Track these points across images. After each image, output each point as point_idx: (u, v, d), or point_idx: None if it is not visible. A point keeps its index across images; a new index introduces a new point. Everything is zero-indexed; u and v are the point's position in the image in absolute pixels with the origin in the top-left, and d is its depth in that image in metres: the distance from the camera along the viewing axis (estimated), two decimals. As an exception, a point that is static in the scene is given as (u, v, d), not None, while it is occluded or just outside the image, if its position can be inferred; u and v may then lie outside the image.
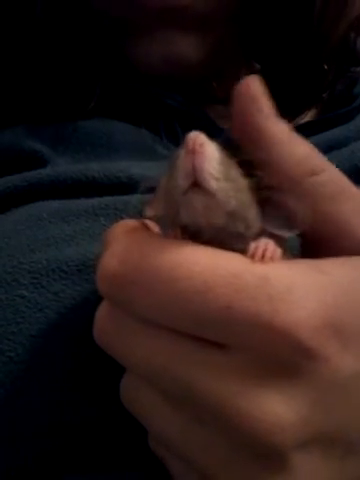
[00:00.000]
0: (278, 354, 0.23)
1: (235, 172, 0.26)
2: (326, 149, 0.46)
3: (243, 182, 0.26)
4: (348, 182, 0.28)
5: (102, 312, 0.27)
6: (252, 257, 0.24)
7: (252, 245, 0.25)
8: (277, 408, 0.23)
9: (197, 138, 0.24)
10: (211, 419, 0.24)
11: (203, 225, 0.26)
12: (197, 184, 0.24)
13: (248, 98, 0.27)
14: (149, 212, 0.28)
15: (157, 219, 0.28)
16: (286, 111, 0.52)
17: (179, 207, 0.25)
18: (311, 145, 0.28)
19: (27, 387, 0.31)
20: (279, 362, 0.23)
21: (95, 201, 0.38)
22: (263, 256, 0.24)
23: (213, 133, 0.50)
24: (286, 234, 0.27)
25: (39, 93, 0.48)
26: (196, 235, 0.26)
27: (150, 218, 0.28)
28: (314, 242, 0.28)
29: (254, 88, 0.27)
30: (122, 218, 0.37)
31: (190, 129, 0.49)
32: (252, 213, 0.27)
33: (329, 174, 0.28)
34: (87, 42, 0.49)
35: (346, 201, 0.27)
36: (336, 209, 0.27)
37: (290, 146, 0.27)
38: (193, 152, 0.24)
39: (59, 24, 0.48)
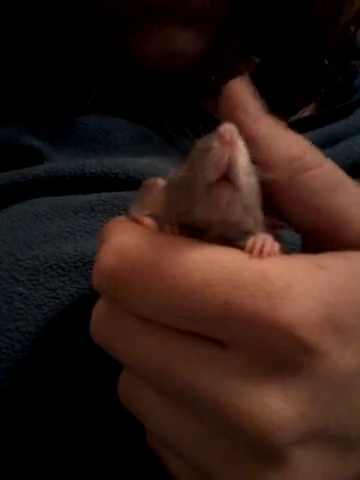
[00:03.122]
0: (277, 351, 0.23)
1: (251, 164, 0.25)
2: (325, 144, 0.45)
3: (255, 177, 0.26)
4: (344, 176, 0.28)
5: (99, 310, 0.27)
6: (250, 253, 0.24)
7: (250, 240, 0.25)
8: (275, 405, 0.23)
9: (233, 130, 0.24)
10: (209, 417, 0.24)
11: (217, 221, 0.25)
12: (226, 178, 0.24)
13: (234, 100, 0.27)
14: (138, 212, 0.27)
15: (151, 216, 0.27)
16: (285, 105, 0.52)
17: (196, 201, 0.25)
18: (305, 141, 0.28)
19: (24, 384, 0.31)
20: (278, 359, 0.23)
21: (92, 197, 0.38)
22: (261, 251, 0.24)
23: (212, 127, 0.50)
24: (285, 226, 0.27)
25: (38, 89, 0.48)
26: (196, 231, 0.25)
27: (140, 217, 0.27)
28: (312, 236, 0.28)
29: (240, 90, 0.27)
30: (119, 214, 0.36)
31: (191, 125, 0.49)
32: (259, 208, 0.26)
33: (323, 169, 0.27)
34: (85, 37, 0.48)
35: (340, 194, 0.27)
36: (330, 202, 0.27)
37: (279, 147, 0.27)
38: (231, 144, 0.23)
39: (58, 19, 0.48)
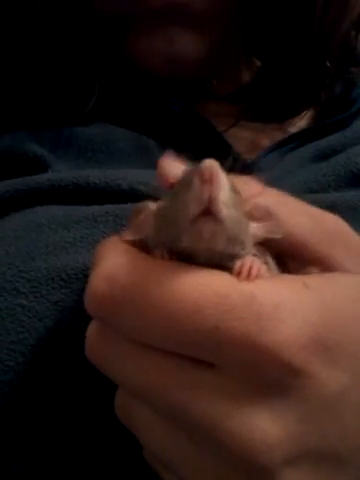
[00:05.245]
0: (266, 373, 0.23)
1: (236, 195, 0.26)
2: (323, 156, 0.46)
3: (241, 204, 0.26)
4: (290, 197, 0.30)
5: (92, 331, 0.28)
6: (238, 275, 0.25)
7: (237, 263, 0.25)
8: (265, 426, 0.23)
9: (213, 167, 0.24)
10: (201, 437, 0.24)
11: (203, 250, 0.26)
12: (208, 212, 0.24)
13: None
14: (130, 235, 0.28)
15: (142, 239, 0.28)
16: (287, 108, 0.52)
17: (181, 232, 0.25)
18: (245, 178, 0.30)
19: (27, 396, 0.31)
20: (267, 380, 0.24)
21: (95, 208, 0.38)
22: (249, 274, 0.25)
23: (212, 138, 0.50)
24: (275, 236, 0.28)
25: (39, 96, 0.48)
26: (185, 255, 0.26)
27: (132, 241, 0.28)
28: (279, 259, 0.29)
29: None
30: (122, 225, 0.37)
31: (190, 137, 0.49)
32: (247, 233, 0.27)
33: (267, 194, 0.29)
34: (87, 43, 0.48)
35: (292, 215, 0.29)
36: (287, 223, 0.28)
37: None
38: (210, 182, 0.24)
39: (59, 25, 0.48)
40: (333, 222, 0.30)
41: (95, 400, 0.31)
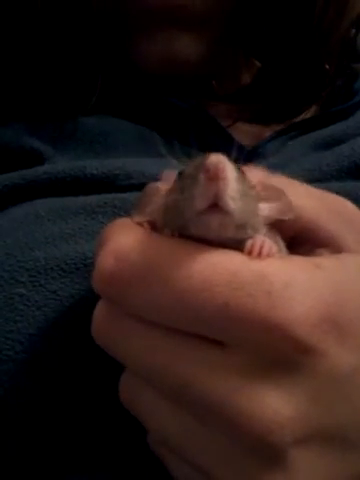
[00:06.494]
0: (276, 350, 0.23)
1: (245, 184, 0.26)
2: (325, 145, 0.46)
3: (250, 191, 0.26)
4: (296, 181, 0.30)
5: (99, 311, 0.27)
6: (249, 254, 0.24)
7: (249, 242, 0.25)
8: (275, 404, 0.23)
9: (219, 163, 0.24)
10: (210, 417, 0.24)
11: (213, 238, 0.25)
12: (215, 205, 0.24)
13: None
14: (139, 217, 0.28)
15: (150, 221, 0.28)
16: (287, 108, 0.52)
17: (189, 222, 0.25)
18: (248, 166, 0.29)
19: (25, 386, 0.31)
20: (277, 358, 0.23)
21: (93, 199, 0.38)
22: (260, 252, 0.24)
23: (214, 131, 0.50)
24: (284, 217, 0.27)
25: (39, 90, 0.48)
26: (195, 237, 0.26)
27: (140, 222, 0.28)
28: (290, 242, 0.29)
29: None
30: (120, 216, 0.36)
31: (192, 128, 0.49)
32: (257, 216, 0.27)
33: (273, 179, 0.29)
34: (87, 40, 0.48)
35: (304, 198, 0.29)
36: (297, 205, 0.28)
37: None
38: (216, 179, 0.24)
39: (60, 21, 0.48)
40: (341, 203, 0.30)
41: (96, 388, 0.31)
